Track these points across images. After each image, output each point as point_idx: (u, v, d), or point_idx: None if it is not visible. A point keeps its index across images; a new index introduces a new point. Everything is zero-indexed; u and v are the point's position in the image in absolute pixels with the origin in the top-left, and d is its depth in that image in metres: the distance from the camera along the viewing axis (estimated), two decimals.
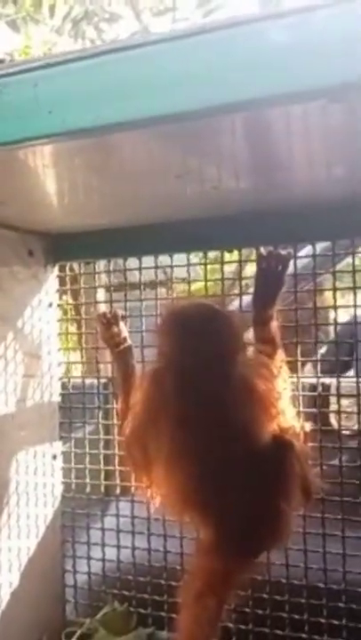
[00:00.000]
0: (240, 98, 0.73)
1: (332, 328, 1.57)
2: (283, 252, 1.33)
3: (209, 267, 1.58)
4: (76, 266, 1.75)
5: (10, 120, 0.82)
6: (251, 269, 1.55)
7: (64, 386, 1.69)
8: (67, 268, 1.71)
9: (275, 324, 1.30)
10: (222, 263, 1.53)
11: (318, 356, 1.56)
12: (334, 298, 1.44)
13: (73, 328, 1.87)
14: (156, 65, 0.75)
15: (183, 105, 0.73)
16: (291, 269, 1.38)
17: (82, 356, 1.92)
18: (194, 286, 1.64)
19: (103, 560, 1.60)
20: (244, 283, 1.58)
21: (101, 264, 1.68)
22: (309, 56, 0.69)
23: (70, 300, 1.85)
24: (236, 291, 1.58)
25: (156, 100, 0.74)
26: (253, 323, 1.31)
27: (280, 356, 1.28)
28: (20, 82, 0.83)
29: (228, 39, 0.73)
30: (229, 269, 1.67)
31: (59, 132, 0.79)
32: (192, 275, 1.58)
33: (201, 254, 1.58)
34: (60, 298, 1.74)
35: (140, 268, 1.59)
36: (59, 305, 1.72)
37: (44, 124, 0.80)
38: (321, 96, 0.71)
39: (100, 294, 1.87)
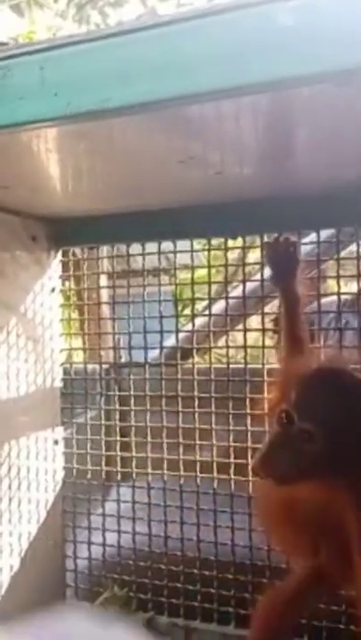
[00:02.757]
0: (246, 81, 0.73)
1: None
2: (289, 237, 1.34)
3: (212, 253, 1.58)
4: (78, 251, 1.75)
5: (15, 102, 0.81)
6: (254, 256, 1.55)
7: (66, 371, 1.69)
8: (69, 254, 1.71)
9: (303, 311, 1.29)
10: (226, 249, 1.53)
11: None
12: (338, 285, 1.44)
13: (75, 314, 1.87)
14: (163, 48, 0.74)
15: (189, 88, 0.72)
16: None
17: (84, 342, 1.92)
18: (197, 273, 1.63)
19: (104, 545, 1.61)
20: (247, 269, 1.58)
21: (104, 250, 1.68)
22: (316, 39, 0.68)
23: (73, 286, 1.84)
24: (240, 278, 1.58)
25: (162, 83, 0.73)
26: (283, 309, 1.30)
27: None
28: (25, 64, 0.82)
29: (234, 22, 0.72)
30: (233, 256, 1.66)
31: (64, 115, 0.78)
32: (195, 262, 1.58)
33: (204, 241, 1.57)
34: (63, 284, 1.74)
35: (142, 254, 1.59)
36: (61, 290, 1.71)
37: (49, 106, 0.79)
38: (327, 80, 0.70)
39: (103, 280, 1.87)
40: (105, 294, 1.84)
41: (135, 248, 1.60)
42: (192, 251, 1.55)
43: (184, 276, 1.66)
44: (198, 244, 1.59)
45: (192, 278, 1.59)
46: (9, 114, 0.81)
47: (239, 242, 1.55)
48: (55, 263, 1.68)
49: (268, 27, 0.70)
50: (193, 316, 1.73)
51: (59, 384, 1.67)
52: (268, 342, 1.51)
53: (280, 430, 1.03)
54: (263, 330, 1.50)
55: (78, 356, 1.85)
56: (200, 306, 1.99)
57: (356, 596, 1.06)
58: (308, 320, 1.41)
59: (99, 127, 0.92)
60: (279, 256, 1.33)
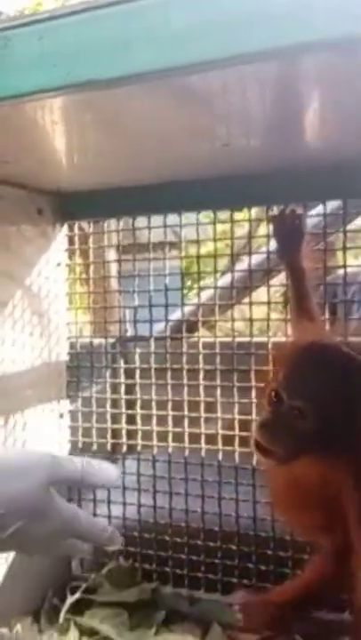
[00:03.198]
0: (251, 49, 0.71)
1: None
2: (294, 209, 1.34)
3: (220, 227, 1.57)
4: (85, 225, 1.75)
5: (14, 73, 0.81)
6: (262, 230, 1.55)
7: (72, 345, 1.69)
8: (75, 227, 1.71)
9: (310, 284, 1.29)
10: (232, 222, 1.52)
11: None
12: (344, 257, 1.43)
13: (83, 288, 1.87)
14: (163, 16, 0.73)
15: (189, 57, 0.71)
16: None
17: (90, 316, 1.92)
18: (208, 247, 1.63)
19: (109, 517, 1.62)
20: (256, 243, 1.58)
21: (112, 224, 1.67)
22: (318, 6, 0.67)
23: (80, 260, 1.84)
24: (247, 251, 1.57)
25: (162, 53, 0.73)
26: (289, 282, 1.31)
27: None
28: (24, 34, 0.81)
29: None
30: (242, 232, 1.66)
31: (63, 85, 0.78)
32: (202, 236, 1.57)
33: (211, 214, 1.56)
34: (70, 258, 1.74)
35: (148, 227, 1.59)
36: (68, 265, 1.71)
37: (48, 76, 0.78)
38: (330, 49, 0.69)
39: (112, 254, 1.86)
40: (114, 268, 1.83)
41: (142, 221, 1.60)
42: (197, 224, 1.55)
43: (195, 250, 1.65)
44: (207, 217, 1.58)
45: (198, 252, 1.59)
46: (8, 85, 0.81)
47: (247, 215, 1.53)
48: (61, 237, 1.68)
49: None
50: (199, 290, 1.72)
51: (64, 358, 1.68)
52: (275, 315, 1.52)
53: (271, 409, 1.03)
54: (269, 303, 1.49)
55: (86, 330, 1.85)
56: (209, 280, 1.98)
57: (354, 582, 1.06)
58: (322, 292, 1.41)
59: (104, 98, 0.91)
60: (285, 228, 1.33)
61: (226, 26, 0.72)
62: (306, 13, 0.68)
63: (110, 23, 0.76)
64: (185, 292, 1.80)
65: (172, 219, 1.55)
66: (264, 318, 1.49)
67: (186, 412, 1.54)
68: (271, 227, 1.40)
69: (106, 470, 1.02)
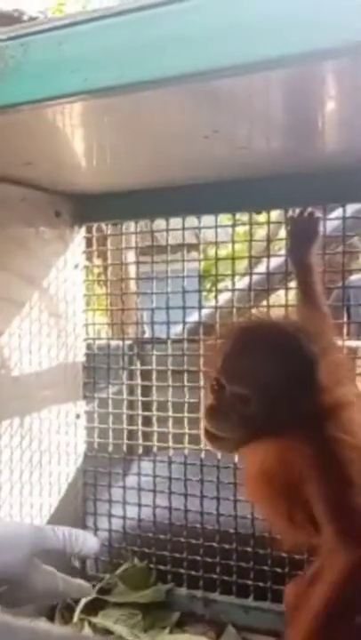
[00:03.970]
0: (272, 54, 0.71)
1: None
2: (313, 212, 1.34)
3: (241, 229, 1.57)
4: (104, 226, 1.75)
5: (33, 79, 0.81)
6: (282, 232, 1.54)
7: (89, 347, 1.70)
8: (93, 229, 1.71)
9: (319, 286, 1.28)
10: (251, 225, 1.52)
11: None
12: None
13: (101, 290, 1.88)
14: (181, 22, 0.74)
15: (205, 64, 0.72)
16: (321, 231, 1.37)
17: (109, 318, 1.93)
18: (225, 250, 1.62)
19: (124, 518, 1.63)
20: (276, 246, 1.57)
21: (131, 225, 1.68)
22: (342, 10, 0.66)
23: (99, 262, 1.85)
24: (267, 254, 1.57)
25: (179, 59, 0.73)
26: (298, 283, 1.31)
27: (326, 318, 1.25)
28: (44, 40, 0.82)
29: None
30: (263, 234, 1.65)
31: (81, 91, 0.79)
32: (225, 238, 1.57)
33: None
34: (90, 260, 1.74)
35: (167, 230, 1.59)
36: (86, 266, 1.72)
37: (66, 82, 0.79)
38: (346, 54, 0.69)
39: (131, 256, 1.87)
40: (132, 270, 1.84)
41: (161, 224, 1.60)
42: (216, 226, 1.55)
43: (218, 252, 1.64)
44: (228, 219, 1.58)
45: (216, 254, 1.59)
46: (27, 90, 0.82)
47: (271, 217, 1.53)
48: (79, 239, 1.69)
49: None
50: (216, 292, 1.72)
51: (81, 359, 1.69)
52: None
53: (215, 396, 1.02)
54: (287, 306, 1.49)
55: (103, 332, 1.86)
56: (228, 283, 1.98)
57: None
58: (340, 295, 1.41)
59: (123, 102, 0.92)
60: (300, 229, 1.33)
61: (245, 32, 0.72)
62: (332, 19, 0.68)
63: (128, 30, 0.76)
64: (204, 294, 1.80)
65: (192, 221, 1.55)
66: None
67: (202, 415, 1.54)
68: (288, 228, 1.40)
69: (88, 541, 1.13)
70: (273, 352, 1.00)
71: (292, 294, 1.50)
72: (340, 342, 1.29)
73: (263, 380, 0.98)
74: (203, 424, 1.04)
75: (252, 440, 1.01)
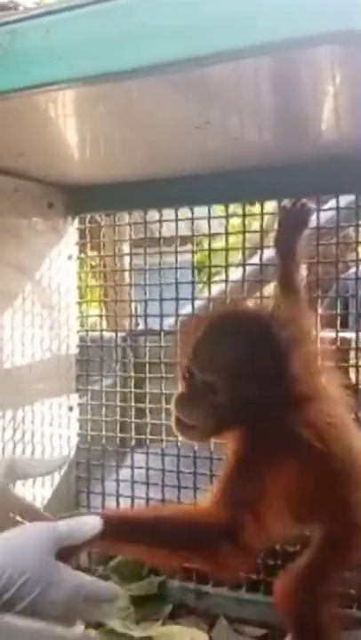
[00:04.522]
0: (260, 41, 0.71)
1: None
2: (305, 203, 1.33)
3: (236, 221, 1.56)
4: (98, 217, 1.75)
5: (21, 66, 0.81)
6: (276, 224, 1.53)
7: (82, 339, 1.69)
8: (86, 221, 1.70)
9: (301, 277, 1.28)
10: (244, 216, 1.51)
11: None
12: (357, 252, 1.42)
13: (94, 281, 1.87)
14: (169, 9, 0.73)
15: (190, 51, 0.71)
16: (314, 222, 1.37)
17: (102, 310, 1.92)
18: (220, 243, 1.61)
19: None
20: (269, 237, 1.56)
21: (124, 217, 1.67)
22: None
23: (93, 253, 1.84)
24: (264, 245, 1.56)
25: (164, 47, 0.72)
26: (279, 272, 1.30)
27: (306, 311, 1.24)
28: (31, 27, 0.81)
29: None
30: (257, 224, 1.64)
31: (68, 78, 0.78)
32: (220, 229, 1.56)
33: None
34: (84, 251, 1.73)
35: (160, 221, 1.58)
36: (80, 258, 1.71)
37: (53, 70, 0.78)
38: (335, 41, 0.68)
39: (126, 248, 1.86)
40: (126, 262, 1.83)
41: (154, 216, 1.60)
42: (209, 217, 1.54)
43: (213, 244, 1.63)
44: (221, 211, 1.57)
45: (209, 246, 1.58)
46: (15, 78, 0.81)
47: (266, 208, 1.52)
48: (72, 230, 1.68)
49: None
50: (210, 284, 1.71)
51: (74, 351, 1.68)
52: None
53: (186, 384, 1.01)
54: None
55: (97, 324, 1.85)
56: (223, 274, 1.97)
57: None
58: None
59: (113, 91, 0.91)
60: (290, 219, 1.32)
61: (235, 19, 0.71)
62: (320, 5, 0.67)
63: (116, 16, 0.76)
64: (198, 286, 1.79)
65: (186, 212, 1.54)
66: None
67: None
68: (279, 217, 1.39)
69: (89, 523, 0.97)
70: (242, 340, 1.00)
71: None
72: (324, 333, 1.28)
73: (231, 367, 0.97)
74: (174, 412, 1.02)
75: (224, 429, 1.01)
